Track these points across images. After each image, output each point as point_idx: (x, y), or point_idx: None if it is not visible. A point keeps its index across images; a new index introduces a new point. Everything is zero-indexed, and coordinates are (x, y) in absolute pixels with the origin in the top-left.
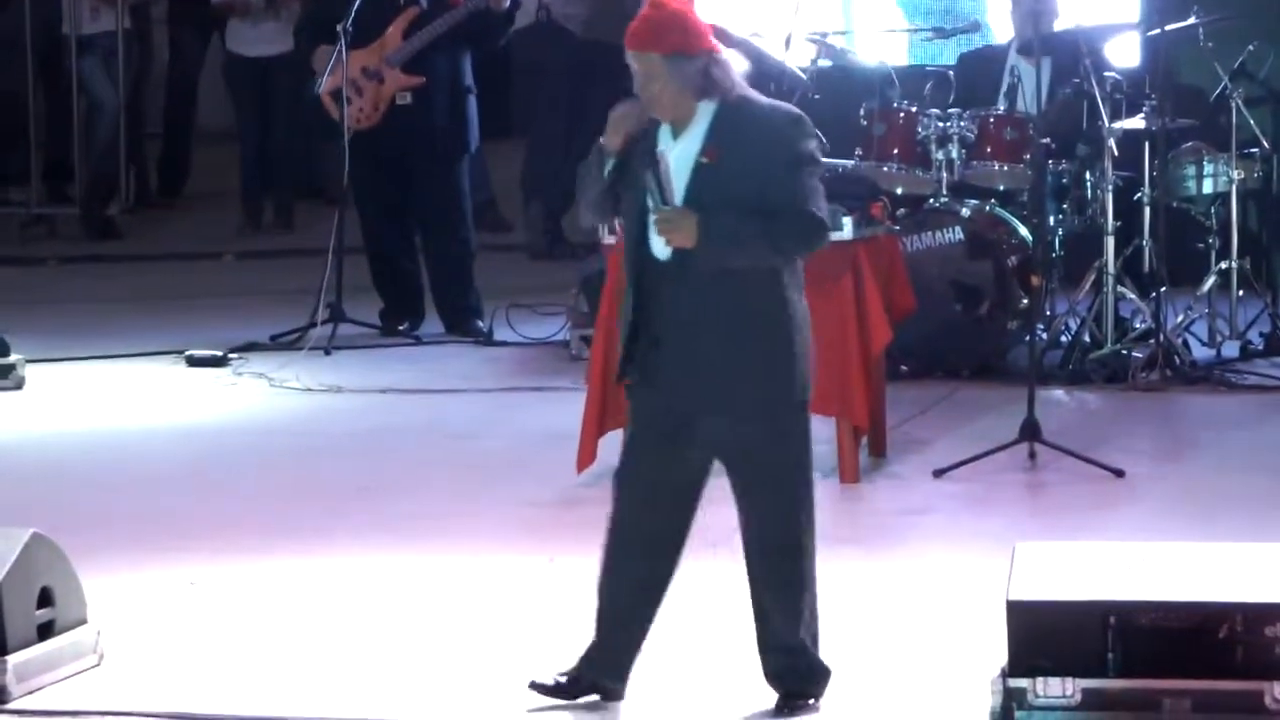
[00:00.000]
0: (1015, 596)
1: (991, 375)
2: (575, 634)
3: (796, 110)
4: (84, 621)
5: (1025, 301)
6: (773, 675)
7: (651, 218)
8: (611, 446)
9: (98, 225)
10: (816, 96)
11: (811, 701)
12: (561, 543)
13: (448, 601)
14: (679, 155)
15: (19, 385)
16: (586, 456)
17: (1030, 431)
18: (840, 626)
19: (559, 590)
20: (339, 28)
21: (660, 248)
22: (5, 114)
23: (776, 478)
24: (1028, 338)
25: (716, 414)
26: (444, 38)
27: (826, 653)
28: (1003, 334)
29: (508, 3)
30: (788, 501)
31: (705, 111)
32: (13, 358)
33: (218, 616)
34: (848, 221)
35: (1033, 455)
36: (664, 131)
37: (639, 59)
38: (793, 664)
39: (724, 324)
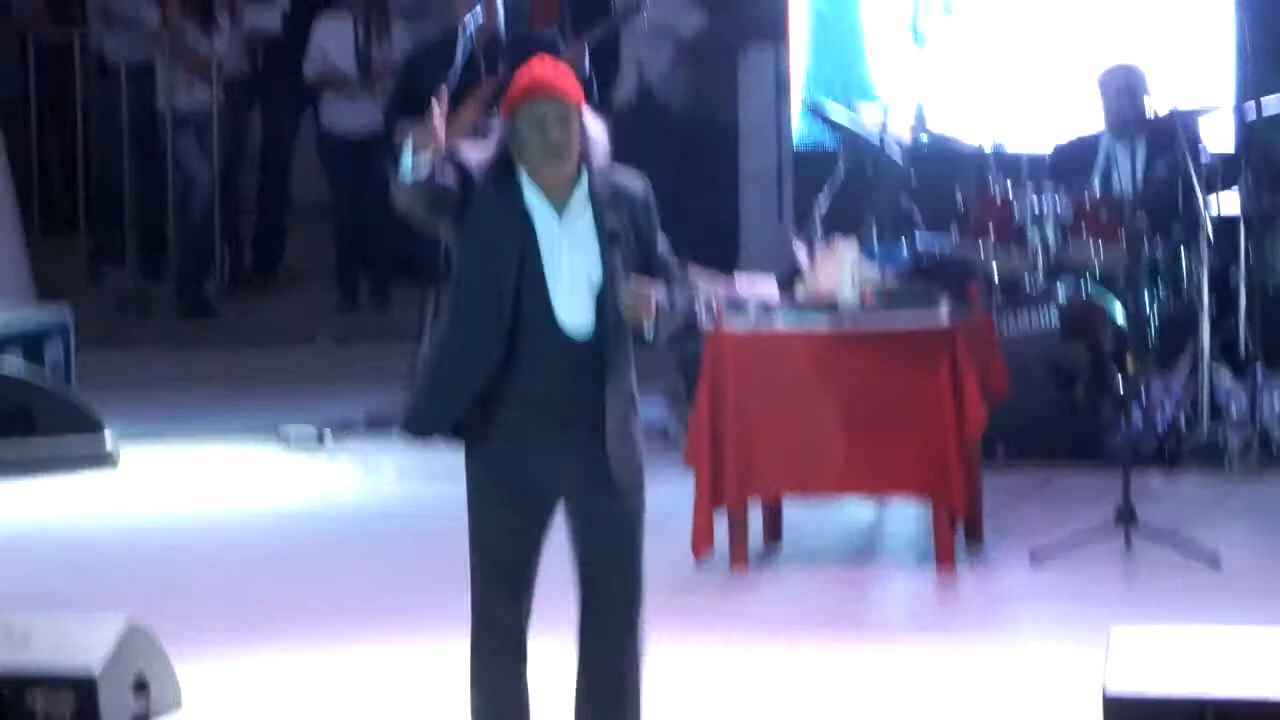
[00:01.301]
0: (1111, 689)
1: (1087, 459)
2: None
3: (643, 177)
4: (178, 708)
5: (1121, 384)
6: None
7: (624, 296)
8: (720, 528)
9: (193, 303)
10: (913, 177)
11: None
12: (666, 631)
13: (551, 691)
14: (582, 226)
15: (114, 466)
16: (704, 541)
17: (1126, 517)
18: (935, 716)
19: (656, 679)
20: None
21: (579, 325)
22: (101, 191)
23: (635, 554)
24: (1123, 421)
25: (606, 493)
26: None
27: None
28: (1098, 417)
29: (585, 67)
30: (639, 579)
31: (580, 178)
32: (107, 438)
33: (312, 703)
34: (945, 304)
35: (1128, 541)
36: (532, 193)
37: (558, 105)
38: None
39: (622, 403)
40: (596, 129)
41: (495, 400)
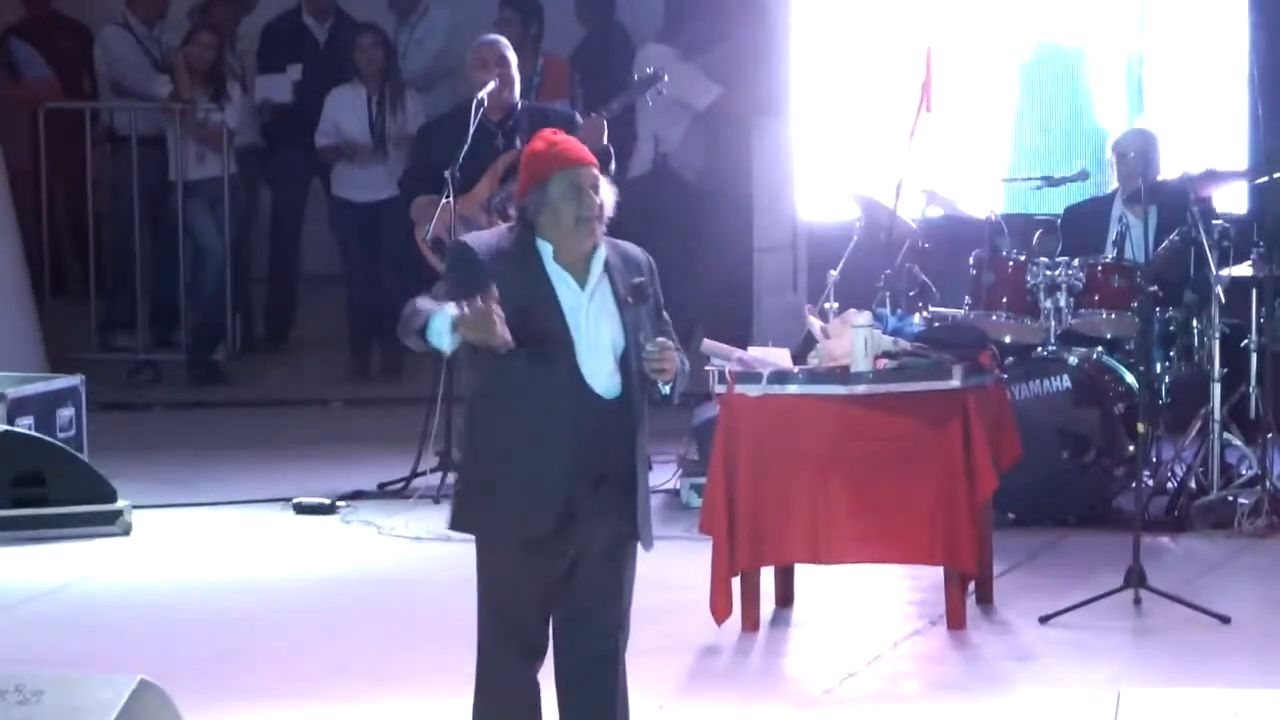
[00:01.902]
0: None
1: (1097, 522)
2: None
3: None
4: None
5: (1131, 449)
6: None
7: (649, 357)
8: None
9: (204, 371)
10: (926, 245)
11: None
12: (678, 692)
13: None
14: (602, 293)
15: (126, 531)
16: (723, 606)
17: (1136, 578)
18: None
19: None
20: (446, 174)
21: (608, 385)
22: (112, 259)
23: (629, 592)
24: (1134, 485)
25: (627, 546)
26: None
27: None
28: (1109, 481)
29: (603, 141)
30: (626, 616)
31: (600, 245)
32: (120, 504)
33: None
34: (957, 370)
35: (1138, 602)
36: (553, 264)
37: (591, 172)
38: None
39: (645, 461)
40: (610, 199)
41: (525, 461)
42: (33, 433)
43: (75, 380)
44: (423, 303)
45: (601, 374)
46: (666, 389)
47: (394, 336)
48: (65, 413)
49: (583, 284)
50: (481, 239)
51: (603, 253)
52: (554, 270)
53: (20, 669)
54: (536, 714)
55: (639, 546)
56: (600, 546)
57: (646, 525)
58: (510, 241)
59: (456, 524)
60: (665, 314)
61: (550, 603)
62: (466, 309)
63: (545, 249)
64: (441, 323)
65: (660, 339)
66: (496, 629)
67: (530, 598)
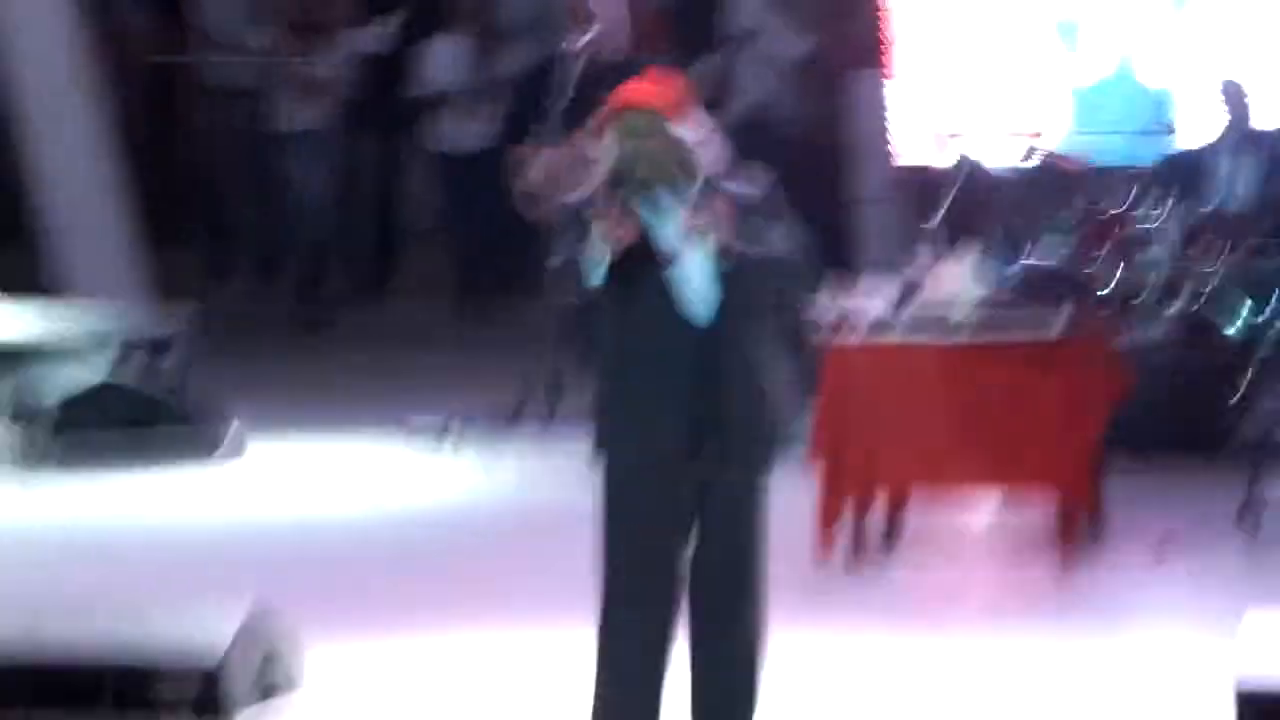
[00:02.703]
0: (1243, 678)
1: (1211, 457)
2: (793, 713)
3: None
4: (303, 693)
5: (1241, 391)
6: None
7: (691, 217)
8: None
9: (306, 322)
10: (1026, 194)
11: None
12: (787, 625)
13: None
14: (700, 257)
15: (239, 457)
16: (828, 538)
17: (1251, 510)
18: (1057, 708)
19: (780, 672)
20: (544, 124)
21: (704, 313)
22: (214, 212)
23: (756, 530)
24: (1246, 422)
25: (735, 470)
26: None
27: None
28: (1219, 422)
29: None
30: (755, 552)
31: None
32: (229, 434)
33: (432, 693)
34: (1058, 318)
35: (1255, 535)
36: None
37: (646, 115)
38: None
39: (750, 384)
40: (701, 133)
41: (641, 389)
42: (142, 372)
43: (184, 317)
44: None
45: (706, 303)
46: (734, 246)
47: (497, 287)
48: (172, 355)
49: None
50: (583, 192)
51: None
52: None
53: (136, 593)
54: (664, 646)
55: (762, 480)
56: (725, 479)
57: (754, 449)
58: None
59: (593, 451)
60: (787, 224)
61: (676, 534)
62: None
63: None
64: (593, 252)
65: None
66: (620, 558)
67: (655, 527)
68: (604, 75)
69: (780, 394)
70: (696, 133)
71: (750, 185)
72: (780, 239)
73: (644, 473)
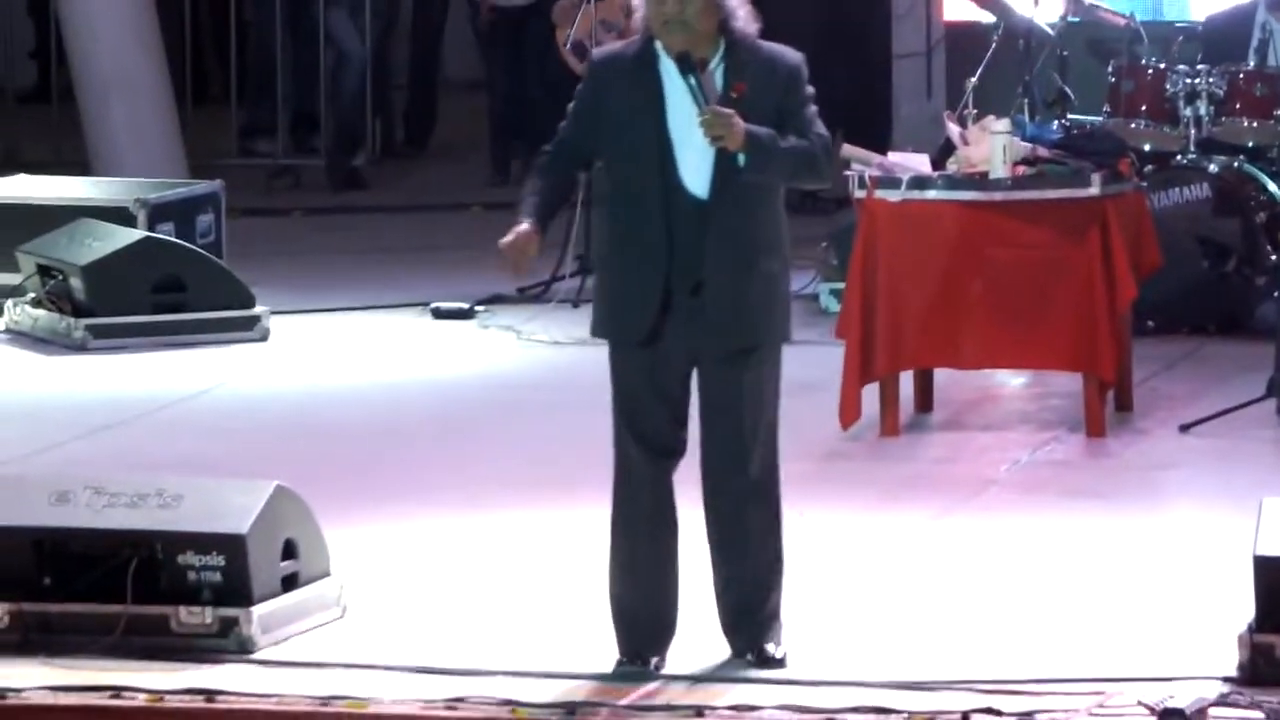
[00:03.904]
0: (1263, 552)
1: (1238, 331)
2: (819, 586)
3: (799, 54)
4: (327, 574)
5: (1274, 258)
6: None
7: (697, 120)
8: (867, 399)
9: (343, 177)
10: (1065, 53)
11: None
12: (817, 497)
13: (697, 555)
14: (713, 98)
15: (264, 337)
16: (851, 411)
17: (1278, 388)
18: (1086, 580)
19: (808, 544)
20: None
21: (699, 188)
22: (254, 65)
23: (764, 419)
24: (1276, 294)
25: (743, 349)
26: None
27: (1073, 607)
28: (1250, 290)
29: None
30: (763, 444)
31: (715, 49)
32: (258, 309)
33: (459, 570)
34: (1096, 178)
35: None
36: (667, 65)
37: None
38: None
39: (742, 264)
40: (736, 2)
41: (626, 263)
42: (173, 239)
43: (215, 186)
44: (533, 179)
45: (702, 174)
46: (743, 160)
47: (535, 141)
48: (205, 218)
49: (696, 87)
50: (609, 54)
51: (719, 51)
52: (668, 74)
53: (161, 474)
54: (669, 516)
55: (775, 353)
56: (719, 353)
57: (772, 326)
58: (634, 49)
59: (592, 327)
60: (807, 114)
61: (676, 406)
62: (509, 238)
63: (662, 54)
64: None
65: (711, 106)
66: (626, 432)
67: (650, 400)
68: None
69: (781, 273)
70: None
71: (783, 57)
72: (800, 126)
73: (623, 350)
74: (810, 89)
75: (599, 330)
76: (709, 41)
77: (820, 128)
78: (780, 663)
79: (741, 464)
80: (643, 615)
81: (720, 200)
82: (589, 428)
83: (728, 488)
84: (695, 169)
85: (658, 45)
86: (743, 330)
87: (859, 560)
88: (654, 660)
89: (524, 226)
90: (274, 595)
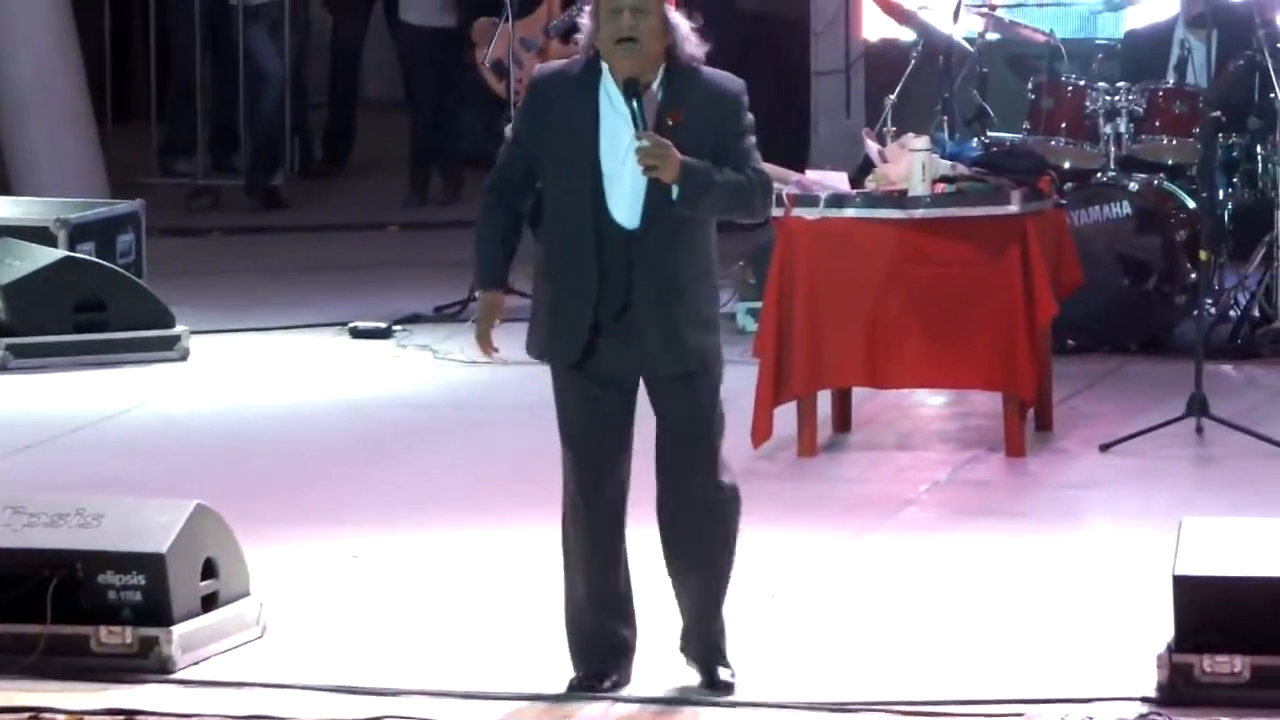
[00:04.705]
0: (1182, 572)
1: (1159, 350)
2: (735, 607)
3: (740, 82)
4: (247, 593)
5: (1193, 276)
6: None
7: (633, 147)
8: (784, 418)
9: (262, 195)
10: (985, 70)
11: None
12: None
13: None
14: (634, 170)
15: (184, 356)
16: (763, 431)
17: (1198, 406)
18: (1005, 600)
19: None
20: None
21: (628, 217)
22: (174, 84)
23: (712, 432)
24: (1196, 312)
25: (678, 375)
26: None
27: (992, 627)
28: (1170, 308)
29: None
30: (716, 455)
31: (656, 73)
32: (177, 329)
33: (379, 589)
34: (1016, 195)
35: (1200, 430)
36: (609, 87)
37: None
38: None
39: (669, 291)
40: (684, 26)
41: (557, 288)
42: (93, 258)
43: (136, 205)
44: (483, 230)
45: (632, 204)
46: (675, 193)
47: (452, 161)
48: (125, 238)
49: (638, 112)
50: (552, 71)
51: (659, 78)
52: (609, 98)
53: (80, 493)
54: (612, 539)
55: (715, 378)
56: (658, 379)
57: (705, 352)
58: (578, 69)
59: (527, 347)
60: (745, 145)
61: (618, 431)
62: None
63: (606, 76)
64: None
65: (649, 133)
66: (568, 451)
67: (588, 423)
68: None
69: (712, 299)
70: (682, 22)
71: (724, 85)
72: (737, 159)
73: (561, 371)
74: (750, 118)
75: (534, 351)
76: (654, 64)
77: (757, 161)
78: (730, 688)
79: (697, 476)
80: (596, 637)
81: (650, 231)
82: (506, 446)
83: (684, 500)
84: (626, 200)
85: (603, 66)
86: (673, 358)
87: (775, 581)
88: (612, 678)
89: (487, 299)
90: (194, 615)
